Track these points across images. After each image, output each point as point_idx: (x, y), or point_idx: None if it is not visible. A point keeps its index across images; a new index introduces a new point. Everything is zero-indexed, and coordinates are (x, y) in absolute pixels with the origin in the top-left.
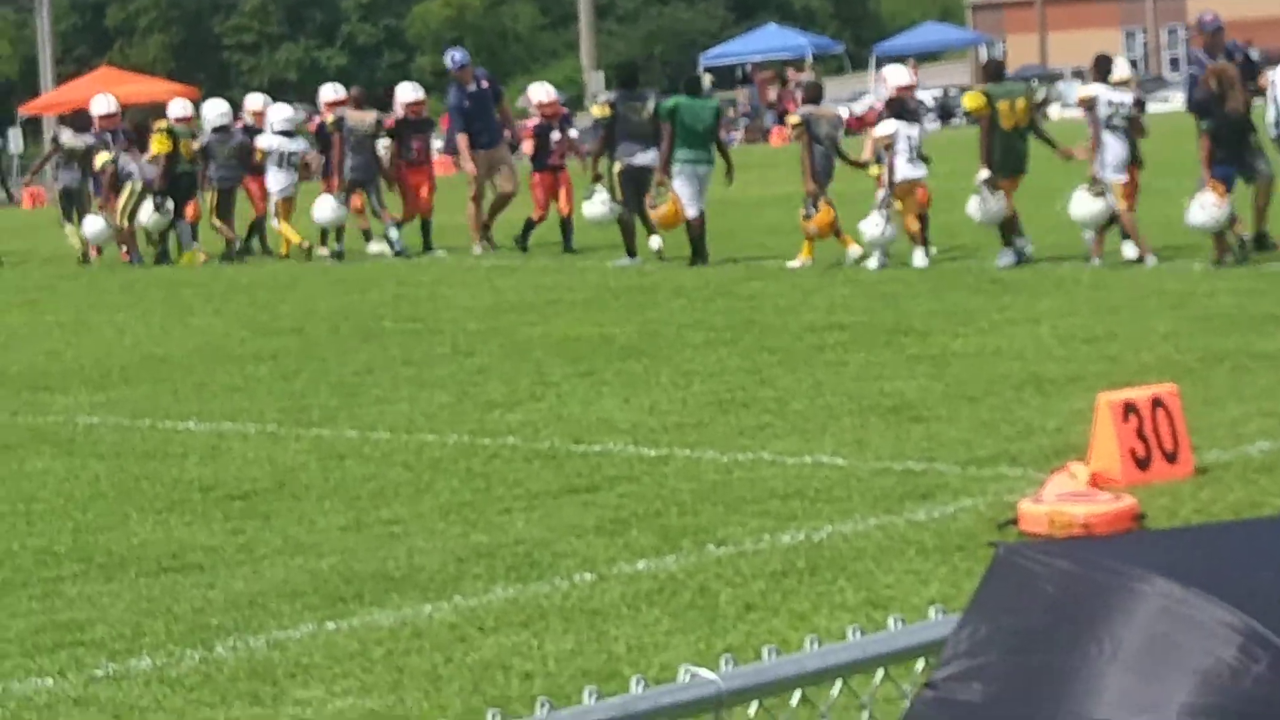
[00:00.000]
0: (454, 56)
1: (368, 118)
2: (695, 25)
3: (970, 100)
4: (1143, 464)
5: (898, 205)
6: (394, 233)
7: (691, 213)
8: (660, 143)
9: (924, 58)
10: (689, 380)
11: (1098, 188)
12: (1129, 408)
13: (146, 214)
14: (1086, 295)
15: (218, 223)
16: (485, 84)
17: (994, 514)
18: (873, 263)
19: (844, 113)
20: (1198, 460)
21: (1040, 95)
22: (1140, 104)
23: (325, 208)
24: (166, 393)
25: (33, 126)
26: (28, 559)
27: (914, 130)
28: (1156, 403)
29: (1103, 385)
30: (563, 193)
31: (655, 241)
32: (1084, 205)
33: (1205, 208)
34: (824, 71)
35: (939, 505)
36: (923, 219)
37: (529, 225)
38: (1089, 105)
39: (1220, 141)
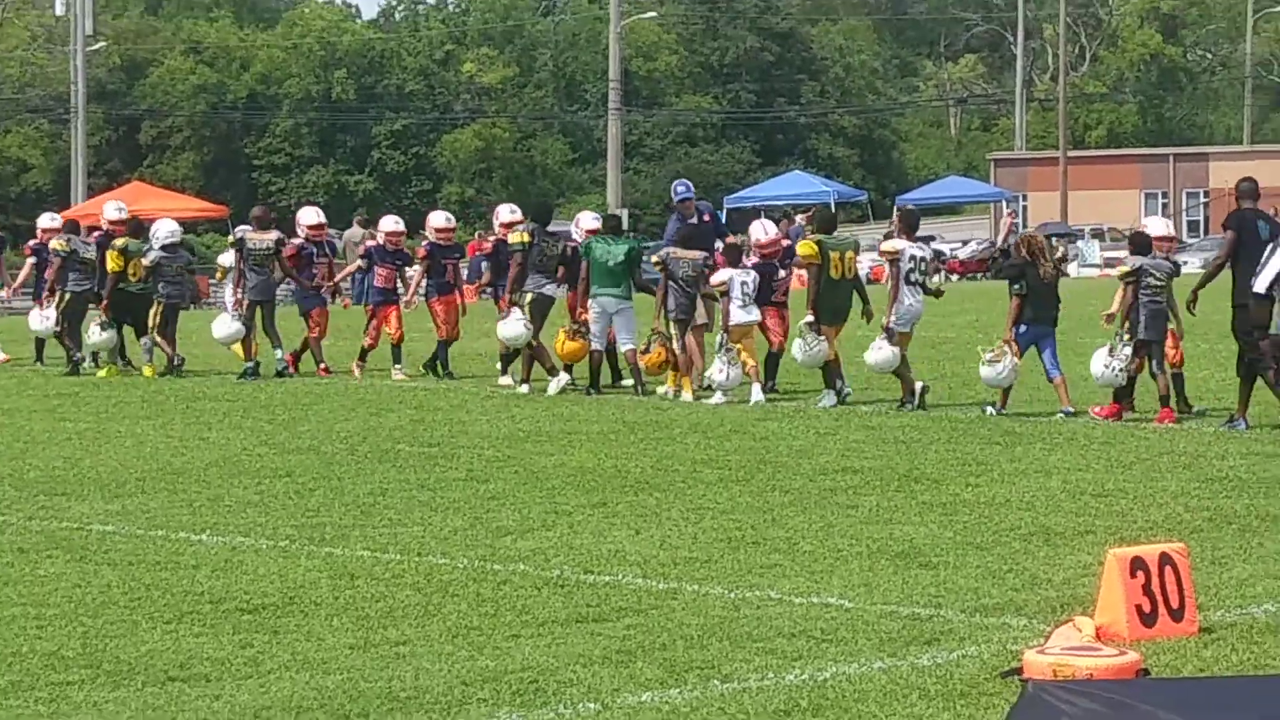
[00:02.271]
0: (677, 188)
1: (268, 238)
2: (721, 168)
3: (804, 248)
4: (1148, 620)
5: (737, 347)
6: (278, 353)
7: (595, 346)
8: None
9: (946, 210)
10: (700, 516)
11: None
12: (1137, 563)
13: (94, 333)
14: (1098, 451)
15: (159, 339)
16: (707, 217)
17: (998, 662)
18: (718, 397)
19: (921, 252)
20: (1203, 619)
21: (1059, 253)
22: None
23: (223, 325)
24: (182, 504)
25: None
26: (36, 663)
27: (749, 277)
28: (1165, 560)
29: (1111, 540)
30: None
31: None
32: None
33: (999, 367)
34: (846, 219)
35: (944, 651)
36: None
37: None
38: (893, 258)
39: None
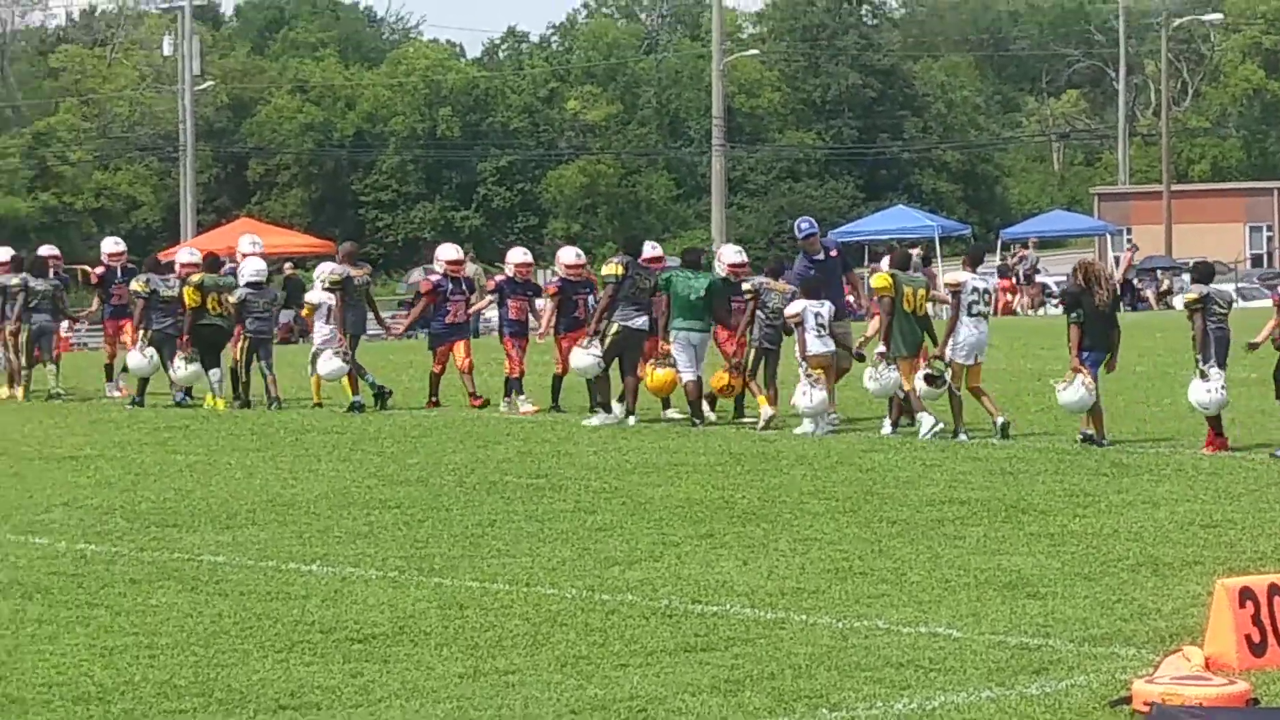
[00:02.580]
0: (801, 225)
1: (364, 273)
2: (825, 203)
3: (878, 280)
4: (1258, 650)
5: (818, 374)
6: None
7: (687, 377)
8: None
9: (1049, 244)
10: (807, 546)
11: (939, 367)
12: (1246, 593)
13: (179, 368)
14: (1206, 481)
15: (243, 373)
16: (834, 253)
17: (1107, 692)
18: (817, 428)
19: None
20: None
21: (1164, 285)
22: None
23: (327, 362)
24: (292, 535)
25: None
26: (149, 691)
27: (823, 308)
28: (1274, 590)
29: (1220, 570)
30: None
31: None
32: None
33: (1078, 389)
34: (949, 253)
35: (1052, 680)
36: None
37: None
38: (955, 290)
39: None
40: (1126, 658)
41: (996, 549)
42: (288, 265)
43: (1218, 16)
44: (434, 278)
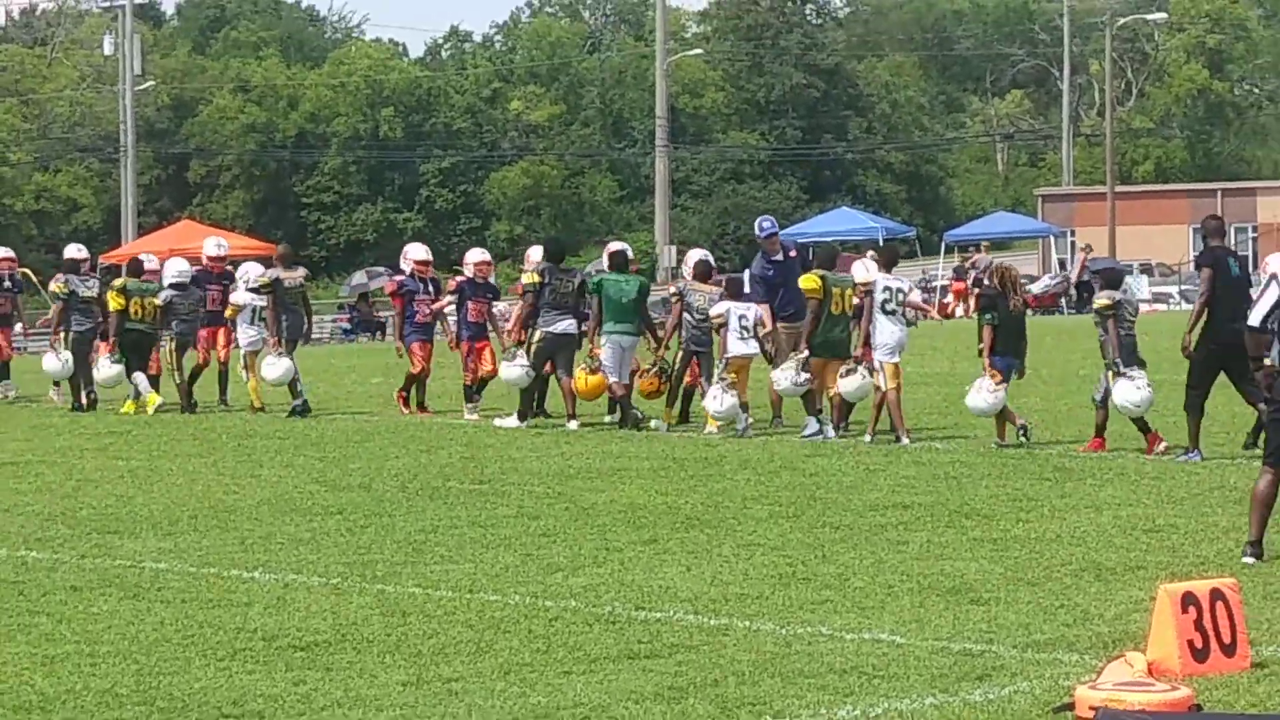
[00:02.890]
0: (763, 224)
1: (297, 276)
2: (768, 204)
3: (806, 281)
4: (1200, 655)
5: (731, 378)
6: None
7: (613, 379)
8: (585, 314)
9: (994, 245)
10: (751, 552)
11: (852, 366)
12: (1188, 599)
13: (103, 367)
14: (1149, 486)
15: (177, 379)
16: (794, 253)
17: (1050, 698)
18: (740, 428)
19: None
20: (1255, 655)
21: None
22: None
23: (271, 366)
24: (234, 542)
25: (112, 275)
26: (90, 700)
27: (748, 310)
28: (1216, 595)
29: (1163, 575)
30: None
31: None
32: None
33: (982, 392)
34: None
35: (995, 687)
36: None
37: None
38: (867, 290)
39: (1001, 335)
40: (1069, 663)
41: (939, 554)
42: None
43: (1162, 16)
44: (399, 278)
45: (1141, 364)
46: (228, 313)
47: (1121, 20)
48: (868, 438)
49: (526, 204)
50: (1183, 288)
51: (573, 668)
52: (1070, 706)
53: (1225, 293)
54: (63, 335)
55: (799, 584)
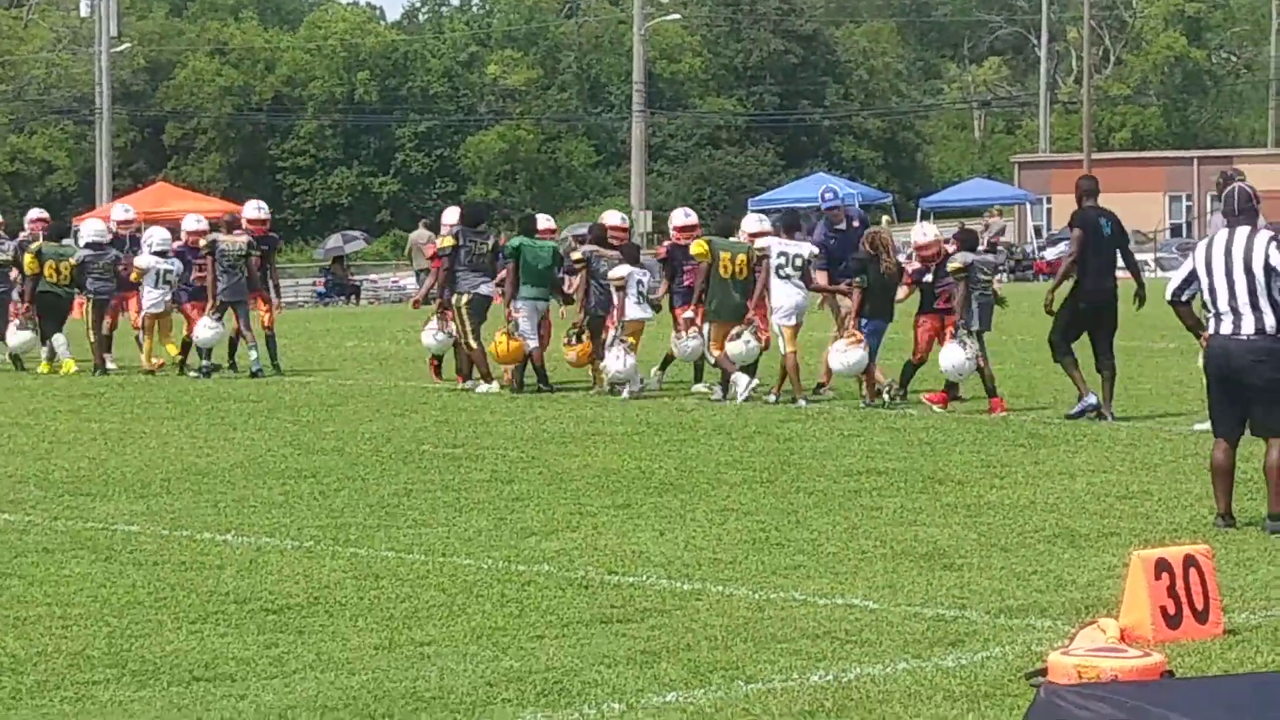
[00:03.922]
0: (825, 195)
1: (239, 240)
2: (745, 170)
3: (696, 247)
4: (1173, 622)
5: (629, 340)
6: (253, 354)
7: (532, 344)
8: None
9: (970, 212)
10: (724, 517)
11: (746, 328)
12: (1161, 565)
13: (12, 335)
14: (1123, 453)
15: (92, 337)
16: (856, 223)
17: (1022, 664)
18: (625, 393)
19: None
20: (1227, 621)
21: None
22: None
23: (203, 328)
24: (207, 505)
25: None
26: (61, 662)
27: (644, 275)
28: (1189, 561)
29: (1136, 542)
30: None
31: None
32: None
33: (837, 353)
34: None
35: (968, 653)
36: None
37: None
38: (762, 255)
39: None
40: (1042, 629)
41: (913, 520)
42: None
43: None
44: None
45: (983, 329)
46: (133, 276)
47: None
48: (771, 398)
49: (503, 168)
50: (1158, 255)
51: (545, 632)
52: (1043, 672)
53: (1096, 252)
54: None
55: (772, 549)
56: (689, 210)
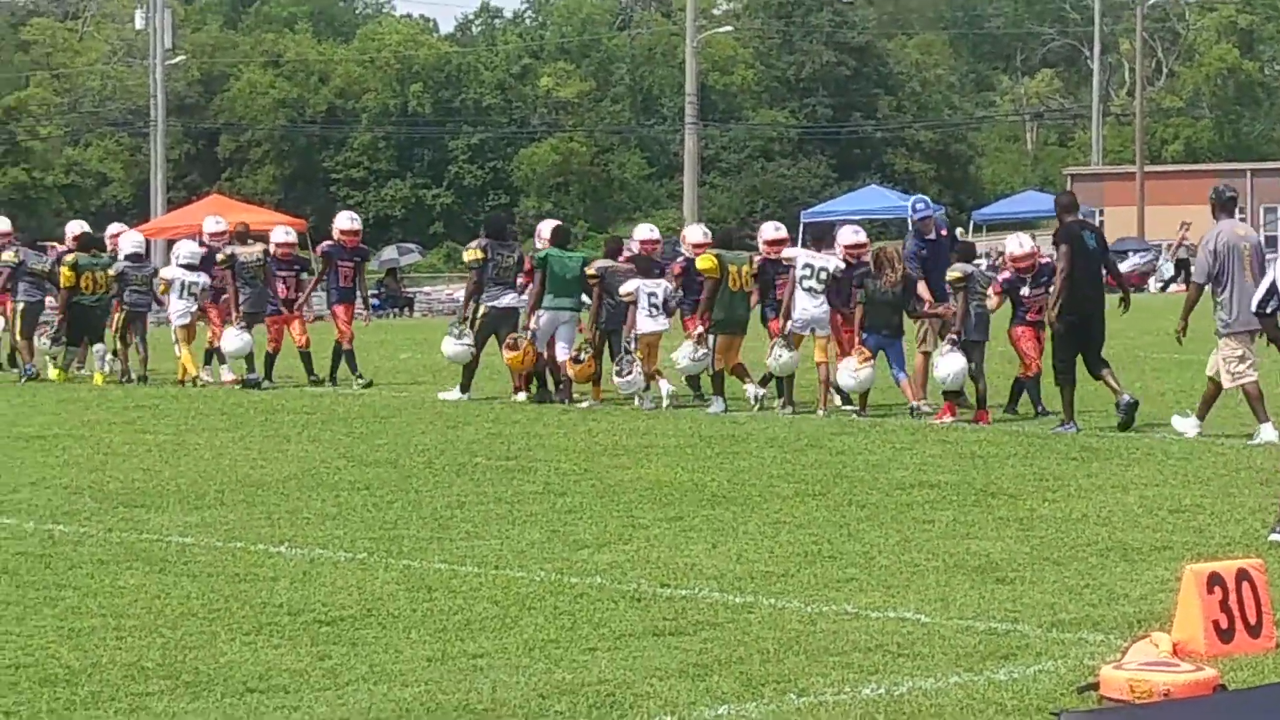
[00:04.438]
0: (916, 206)
1: (255, 251)
2: (797, 182)
3: (704, 261)
4: (1225, 636)
5: (641, 355)
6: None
7: (561, 355)
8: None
9: (1022, 225)
10: (777, 530)
11: (779, 341)
12: (1214, 579)
13: (44, 343)
14: (1175, 466)
15: (119, 345)
16: (945, 233)
17: (1075, 678)
18: (647, 403)
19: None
20: None
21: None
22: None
23: (231, 339)
24: (260, 516)
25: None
26: (116, 673)
27: (658, 288)
28: (1242, 575)
29: (1188, 556)
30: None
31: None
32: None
33: (844, 372)
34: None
35: (1020, 666)
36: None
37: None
38: (789, 265)
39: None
40: (1094, 643)
41: (965, 533)
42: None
43: None
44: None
45: (981, 339)
46: (160, 289)
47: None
48: (786, 409)
49: (555, 180)
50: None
51: (598, 644)
52: (1095, 686)
53: (1083, 266)
54: (11, 305)
55: (824, 562)
56: (779, 225)
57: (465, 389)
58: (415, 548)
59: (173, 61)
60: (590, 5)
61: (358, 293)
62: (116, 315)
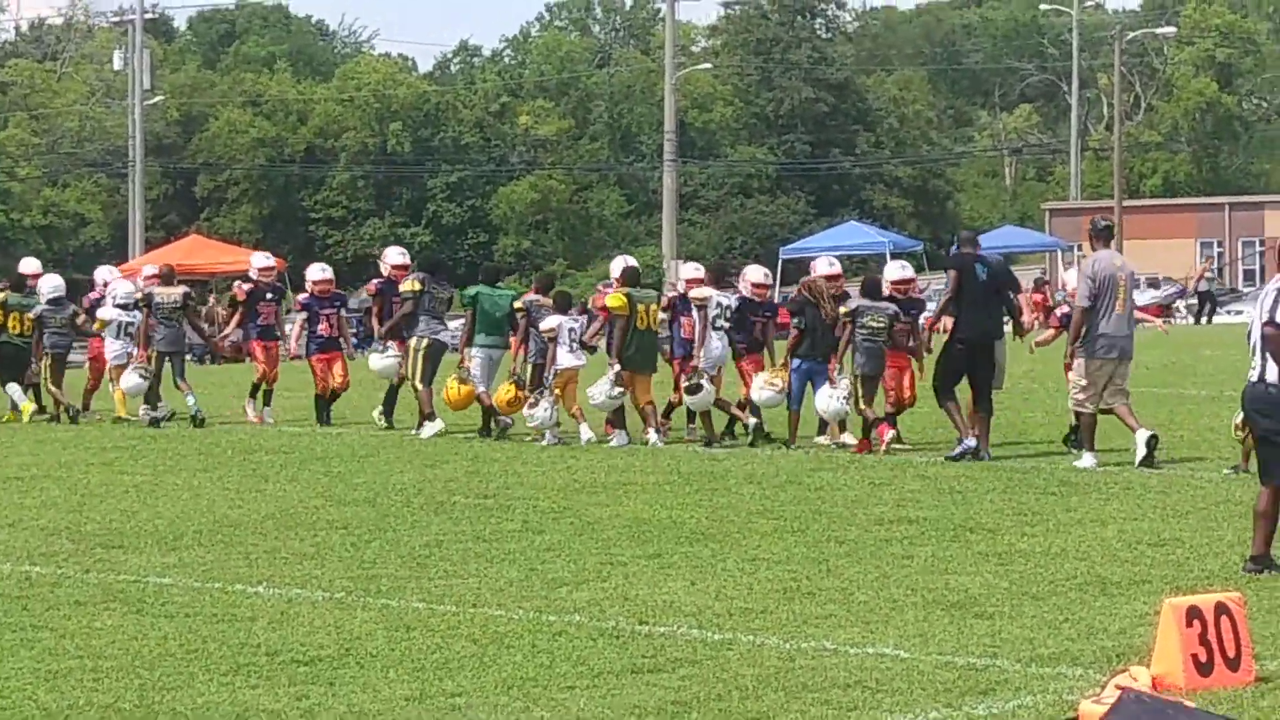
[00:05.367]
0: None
1: (175, 293)
2: (776, 219)
3: (613, 300)
4: (1204, 670)
5: (557, 391)
6: (190, 400)
7: (480, 389)
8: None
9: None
10: (755, 566)
11: (697, 376)
12: (1193, 613)
13: None
14: (1154, 500)
15: (52, 389)
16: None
17: (1054, 712)
18: (545, 439)
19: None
20: (1259, 669)
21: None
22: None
23: (129, 377)
24: (238, 556)
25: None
26: (93, 715)
27: (576, 324)
28: (1221, 609)
29: (1167, 590)
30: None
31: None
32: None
33: (764, 388)
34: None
35: (999, 701)
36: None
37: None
38: (701, 305)
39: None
40: (1073, 678)
41: (944, 569)
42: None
43: (1171, 30)
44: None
45: (872, 373)
46: (96, 327)
47: (1131, 34)
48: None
49: (534, 218)
50: (1189, 302)
51: (576, 682)
52: None
53: (972, 296)
54: None
55: (803, 598)
56: (768, 271)
57: (432, 417)
58: (393, 587)
59: (151, 102)
60: (569, 43)
61: (340, 336)
62: (43, 361)
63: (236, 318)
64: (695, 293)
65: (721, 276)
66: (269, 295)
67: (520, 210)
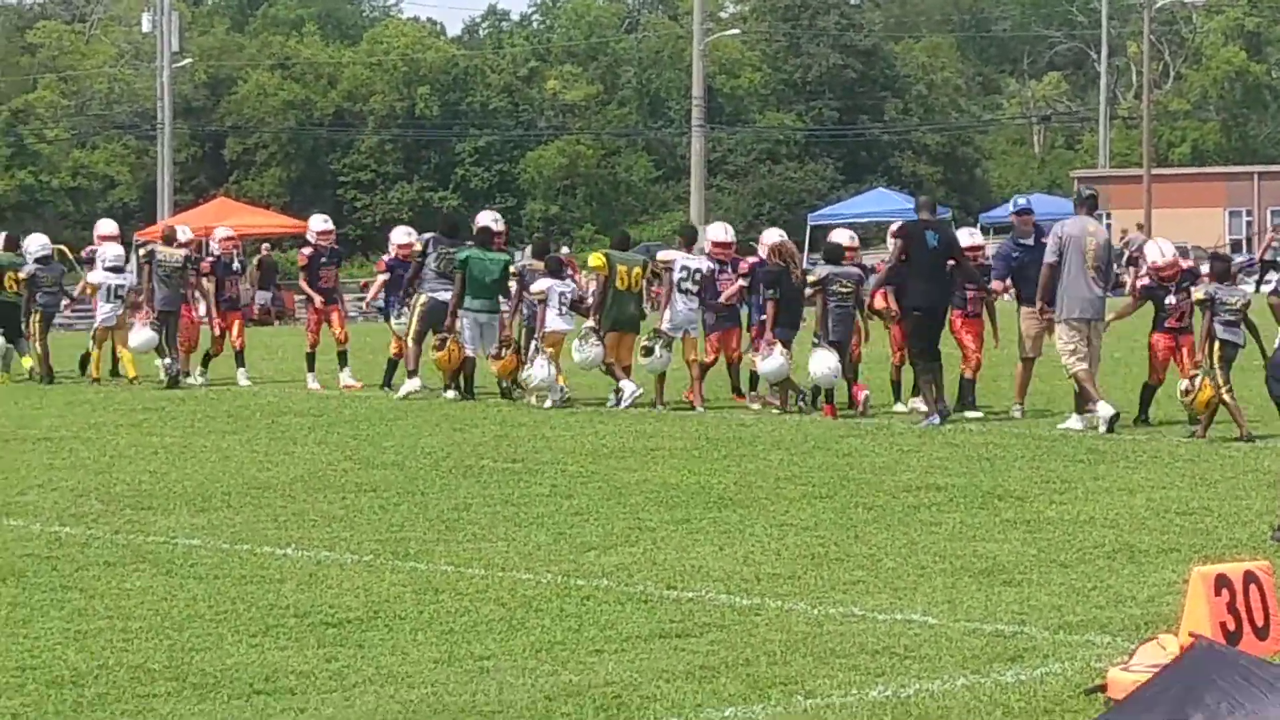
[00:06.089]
0: (1016, 201)
1: (177, 254)
2: (804, 185)
3: (594, 259)
4: (1233, 638)
5: (550, 351)
6: (166, 360)
7: (468, 352)
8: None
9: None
10: (784, 532)
11: (656, 339)
12: (1221, 581)
13: None
14: (1183, 468)
15: (38, 348)
16: (1044, 240)
17: (1082, 680)
18: (547, 402)
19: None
20: None
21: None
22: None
23: (137, 333)
24: (267, 519)
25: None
26: (123, 675)
27: (566, 288)
28: (1249, 578)
29: (1196, 558)
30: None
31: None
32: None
33: (763, 360)
34: None
35: (1027, 668)
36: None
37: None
38: (666, 267)
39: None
40: (1101, 645)
41: (972, 535)
42: (265, 246)
43: None
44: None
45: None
46: (87, 291)
47: (1160, 2)
48: (659, 407)
49: (562, 183)
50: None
51: (604, 646)
52: (1102, 688)
53: (921, 263)
54: None
55: (831, 564)
56: (728, 227)
57: (413, 374)
58: (422, 550)
59: (180, 64)
60: (597, 8)
61: (337, 291)
62: (34, 317)
63: (303, 280)
64: (661, 254)
65: (692, 241)
66: (324, 259)
67: (548, 175)
